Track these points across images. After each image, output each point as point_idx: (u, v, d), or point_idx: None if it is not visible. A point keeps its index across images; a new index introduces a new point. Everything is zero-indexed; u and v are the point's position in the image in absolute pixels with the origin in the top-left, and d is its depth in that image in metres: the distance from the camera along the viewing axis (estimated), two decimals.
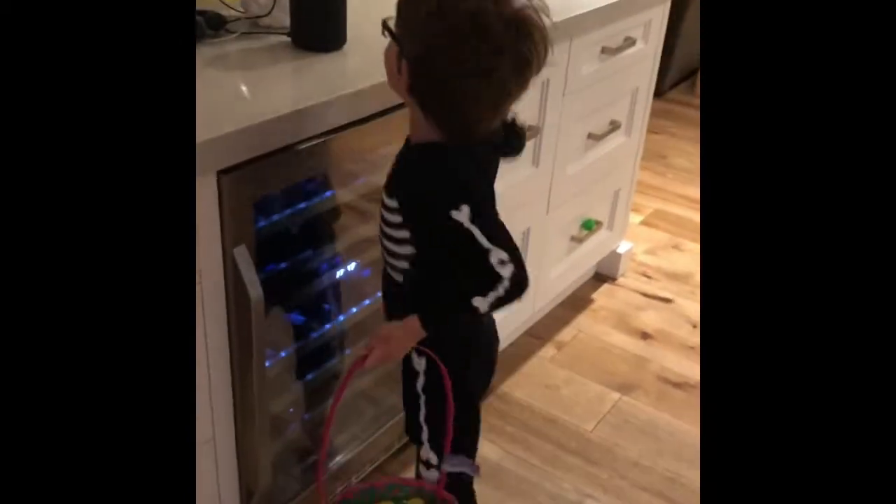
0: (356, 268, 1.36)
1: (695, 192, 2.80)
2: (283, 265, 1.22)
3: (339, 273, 1.33)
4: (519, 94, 0.95)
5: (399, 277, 1.06)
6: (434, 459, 1.16)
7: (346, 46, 1.29)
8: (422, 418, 1.14)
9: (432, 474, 1.17)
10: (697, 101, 3.55)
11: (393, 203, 0.99)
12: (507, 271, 0.93)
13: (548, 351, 2.00)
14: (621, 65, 1.86)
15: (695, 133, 3.23)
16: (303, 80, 1.17)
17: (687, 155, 3.06)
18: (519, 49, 0.90)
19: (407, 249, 1.02)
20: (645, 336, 2.09)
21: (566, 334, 2.07)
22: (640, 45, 1.91)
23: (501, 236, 0.94)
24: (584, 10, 1.60)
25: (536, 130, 1.63)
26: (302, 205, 1.21)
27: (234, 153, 1.01)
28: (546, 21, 0.93)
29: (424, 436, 1.15)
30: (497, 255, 0.93)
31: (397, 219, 0.99)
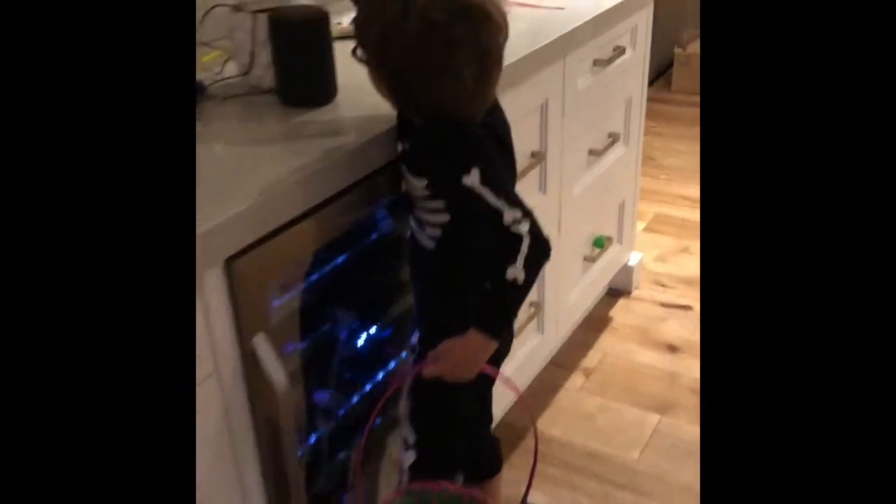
0: (377, 330, 1.26)
1: (692, 191, 2.73)
2: (304, 342, 1.12)
3: (361, 340, 1.24)
4: (493, 76, 1.00)
5: (430, 244, 1.07)
6: (412, 438, 1.17)
7: (337, 97, 1.20)
8: (405, 390, 1.17)
9: (410, 455, 1.17)
10: (675, 97, 3.50)
11: (421, 182, 1.02)
12: (523, 228, 0.97)
13: (576, 380, 1.91)
14: (614, 75, 1.79)
15: (679, 130, 3.18)
16: (298, 143, 1.08)
17: (677, 153, 3.00)
18: (476, 39, 0.95)
19: (443, 217, 1.04)
20: (672, 349, 2.01)
21: (591, 359, 1.98)
22: (629, 52, 1.84)
23: (513, 197, 0.98)
24: (576, 25, 1.52)
25: (540, 156, 1.54)
26: (318, 275, 1.11)
27: (241, 236, 0.91)
28: (496, 4, 0.99)
29: (407, 409, 1.17)
30: (511, 215, 0.97)
31: (428, 192, 1.02)
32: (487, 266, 1.11)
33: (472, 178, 0.97)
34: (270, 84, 1.20)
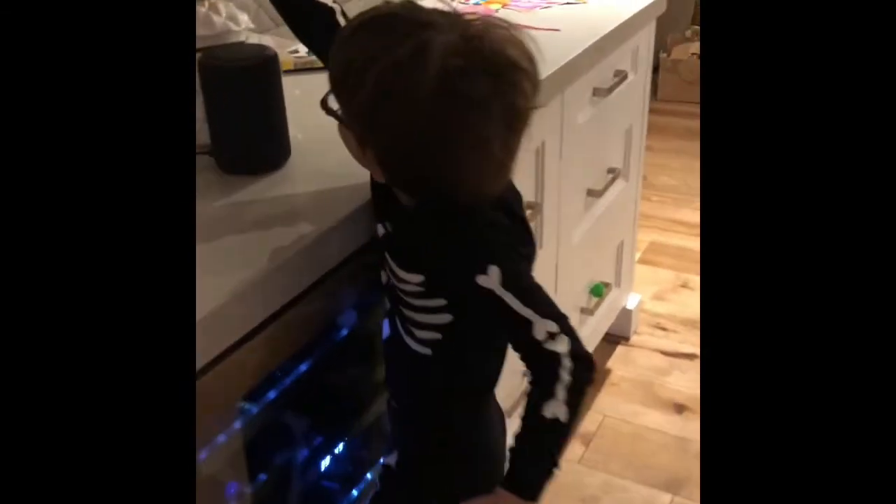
0: (346, 445, 1.02)
1: (689, 215, 2.51)
2: (257, 479, 0.88)
3: (327, 461, 0.99)
4: (520, 142, 0.75)
5: (425, 350, 0.83)
6: None
7: (290, 159, 0.95)
8: None
9: None
10: (663, 107, 3.28)
11: (415, 278, 0.79)
12: (561, 346, 0.73)
13: (574, 450, 1.68)
14: (615, 104, 1.56)
15: (670, 143, 2.96)
16: (235, 237, 0.82)
17: (670, 171, 2.77)
18: (510, 101, 0.71)
19: (442, 318, 0.81)
20: (678, 408, 1.79)
21: (590, 422, 1.75)
22: (630, 76, 1.60)
23: (544, 302, 0.74)
24: (575, 54, 1.28)
25: (537, 208, 1.31)
26: (268, 397, 0.86)
27: None
28: (524, 48, 0.73)
29: None
30: (544, 327, 0.73)
31: (423, 289, 0.80)
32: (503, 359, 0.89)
33: (492, 280, 0.72)
34: (206, 142, 0.95)
